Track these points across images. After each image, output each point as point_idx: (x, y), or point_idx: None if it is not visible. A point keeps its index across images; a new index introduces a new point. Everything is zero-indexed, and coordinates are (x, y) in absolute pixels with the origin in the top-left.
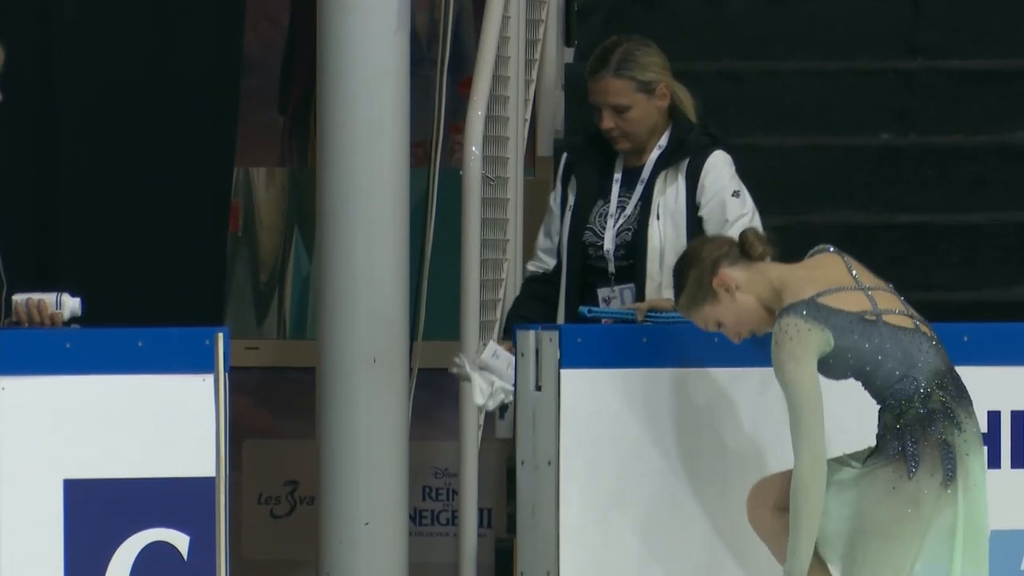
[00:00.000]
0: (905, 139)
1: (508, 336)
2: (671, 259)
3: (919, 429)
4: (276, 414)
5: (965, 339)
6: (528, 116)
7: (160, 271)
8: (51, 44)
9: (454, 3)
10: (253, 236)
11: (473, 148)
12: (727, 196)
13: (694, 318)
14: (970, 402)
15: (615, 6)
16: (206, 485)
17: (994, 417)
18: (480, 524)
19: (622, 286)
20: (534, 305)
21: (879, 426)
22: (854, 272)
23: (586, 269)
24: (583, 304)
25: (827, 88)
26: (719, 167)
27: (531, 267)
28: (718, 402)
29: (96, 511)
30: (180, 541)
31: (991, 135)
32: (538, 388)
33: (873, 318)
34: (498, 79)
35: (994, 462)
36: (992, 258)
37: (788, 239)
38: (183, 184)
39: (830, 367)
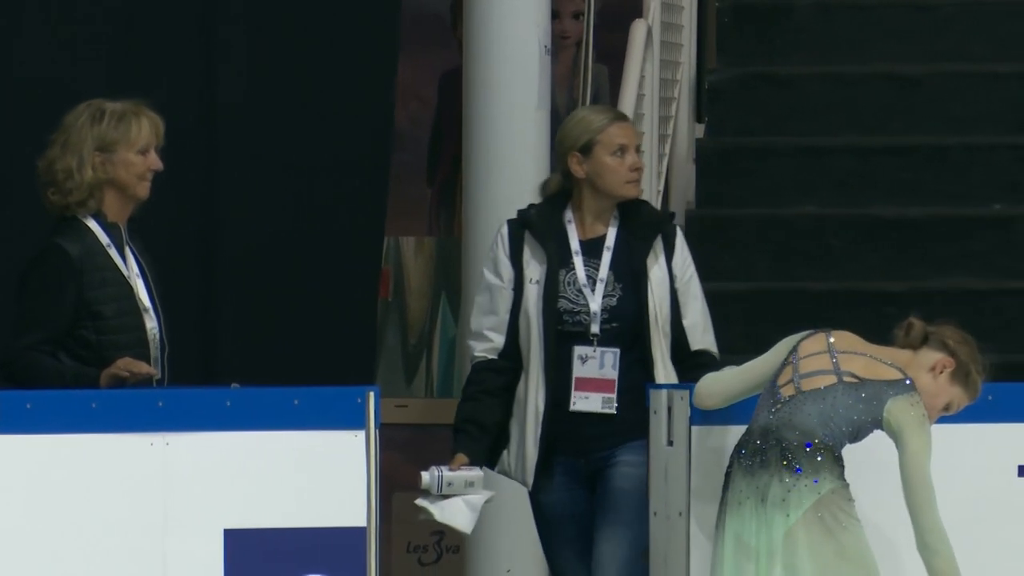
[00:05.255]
0: (1017, 209)
1: (459, 446)
2: (663, 325)
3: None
4: (424, 468)
5: None
6: (661, 188)
7: (315, 334)
8: (215, 121)
9: (592, 82)
10: (402, 301)
11: None
12: (694, 271)
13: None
14: (765, 466)
15: (743, 85)
16: (358, 534)
17: None
18: None
19: (603, 348)
20: (489, 404)
21: None
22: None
23: (558, 335)
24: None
25: (944, 162)
26: (685, 243)
27: (479, 351)
28: None
29: (254, 559)
30: None
31: None
32: (670, 443)
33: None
34: None
35: None
36: None
37: (908, 304)
38: (337, 252)
39: None
